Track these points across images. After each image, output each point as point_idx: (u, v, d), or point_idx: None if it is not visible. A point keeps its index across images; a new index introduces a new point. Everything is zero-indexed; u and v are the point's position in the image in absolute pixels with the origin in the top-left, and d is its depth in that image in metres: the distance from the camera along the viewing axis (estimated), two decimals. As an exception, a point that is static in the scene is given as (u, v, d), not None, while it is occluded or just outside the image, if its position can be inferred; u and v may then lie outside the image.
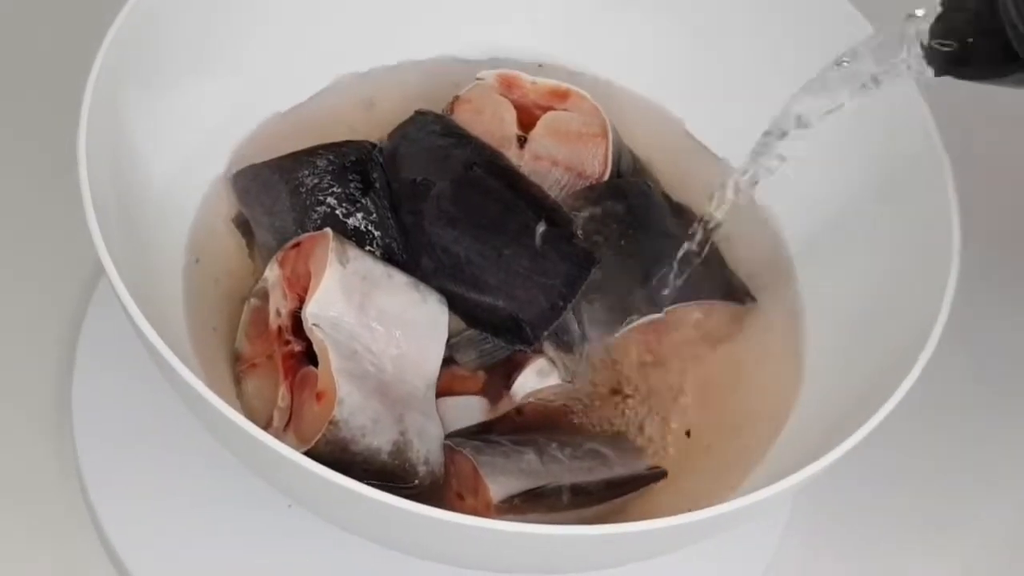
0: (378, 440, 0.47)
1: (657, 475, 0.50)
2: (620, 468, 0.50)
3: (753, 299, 0.56)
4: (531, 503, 0.47)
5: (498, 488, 0.47)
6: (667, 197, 0.57)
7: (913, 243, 0.51)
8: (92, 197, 0.45)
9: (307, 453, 0.42)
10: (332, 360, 0.47)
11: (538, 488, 0.47)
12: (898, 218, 0.53)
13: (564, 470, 0.48)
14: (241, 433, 0.41)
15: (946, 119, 0.51)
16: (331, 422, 0.46)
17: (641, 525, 0.40)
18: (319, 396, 0.47)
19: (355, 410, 0.47)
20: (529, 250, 0.50)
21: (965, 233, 0.49)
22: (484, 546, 0.42)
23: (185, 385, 0.42)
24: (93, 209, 0.45)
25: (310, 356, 0.49)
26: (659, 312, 0.52)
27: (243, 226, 0.54)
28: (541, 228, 0.51)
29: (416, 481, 0.48)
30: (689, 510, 0.41)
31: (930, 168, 0.51)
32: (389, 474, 0.47)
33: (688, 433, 0.52)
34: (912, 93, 0.51)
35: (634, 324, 0.52)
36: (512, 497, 0.47)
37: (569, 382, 0.51)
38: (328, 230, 0.49)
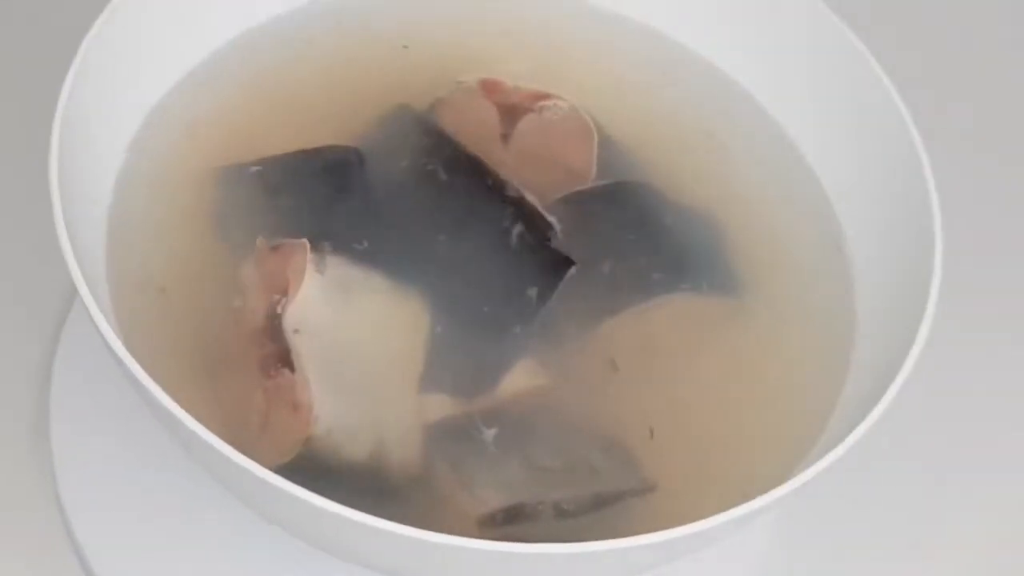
0: (355, 452, 0.46)
1: (644, 489, 0.48)
2: (609, 482, 0.48)
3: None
4: (513, 518, 0.46)
5: (477, 503, 0.45)
6: (665, 197, 0.55)
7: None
8: (63, 215, 0.44)
9: (280, 467, 0.41)
10: (308, 370, 0.46)
11: (520, 505, 0.46)
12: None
13: (550, 484, 0.47)
14: (211, 450, 0.40)
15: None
16: (307, 439, 0.45)
17: (614, 543, 0.39)
18: (295, 406, 0.46)
19: (332, 425, 0.46)
20: (506, 251, 0.51)
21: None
22: (450, 564, 0.41)
23: (151, 396, 0.41)
24: (64, 226, 0.44)
25: (287, 358, 0.47)
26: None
27: (223, 222, 0.53)
28: (518, 230, 0.51)
29: (395, 487, 0.46)
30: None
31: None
32: (367, 482, 0.46)
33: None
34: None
35: (624, 312, 0.51)
36: (493, 513, 0.45)
37: (558, 380, 0.50)
38: (305, 240, 0.48)
